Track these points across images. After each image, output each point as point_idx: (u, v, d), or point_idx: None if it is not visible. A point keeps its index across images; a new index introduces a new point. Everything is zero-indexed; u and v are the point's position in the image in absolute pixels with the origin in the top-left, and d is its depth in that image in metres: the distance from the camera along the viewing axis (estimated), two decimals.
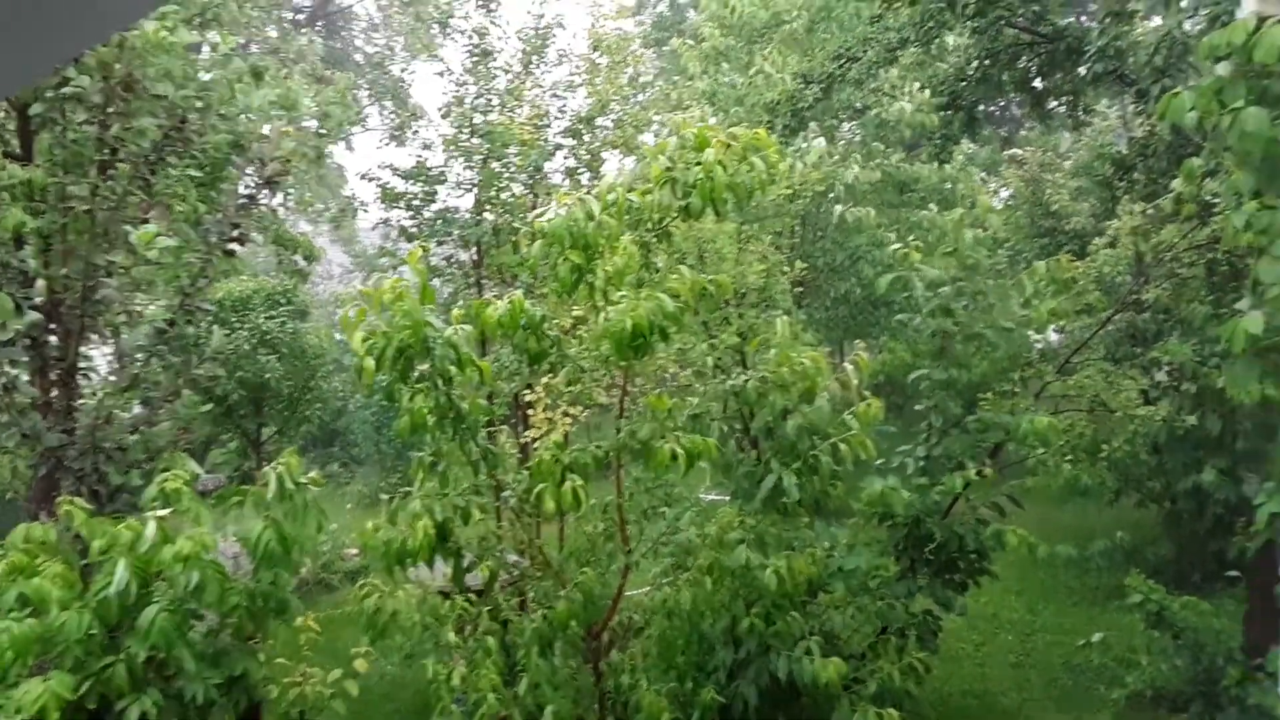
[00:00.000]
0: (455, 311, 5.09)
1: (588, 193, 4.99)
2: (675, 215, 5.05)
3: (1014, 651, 9.97)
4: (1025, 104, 12.21)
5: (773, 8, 14.06)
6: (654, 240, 5.27)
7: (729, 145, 4.91)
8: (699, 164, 4.82)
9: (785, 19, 13.82)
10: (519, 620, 5.96)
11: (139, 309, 6.31)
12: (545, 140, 10.66)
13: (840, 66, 10.51)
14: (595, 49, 11.18)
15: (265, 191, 6.70)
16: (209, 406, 9.11)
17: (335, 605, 8.06)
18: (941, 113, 10.80)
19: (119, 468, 6.00)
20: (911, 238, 7.74)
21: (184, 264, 6.30)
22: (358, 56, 32.05)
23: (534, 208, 10.08)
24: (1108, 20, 8.30)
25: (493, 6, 10.81)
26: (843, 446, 5.71)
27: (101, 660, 4.93)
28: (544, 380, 7.25)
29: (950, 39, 11.52)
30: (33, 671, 4.77)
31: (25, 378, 6.23)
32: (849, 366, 5.95)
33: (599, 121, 11.06)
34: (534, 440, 7.34)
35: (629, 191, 5.06)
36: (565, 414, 7.76)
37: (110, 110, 5.96)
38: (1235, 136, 4.26)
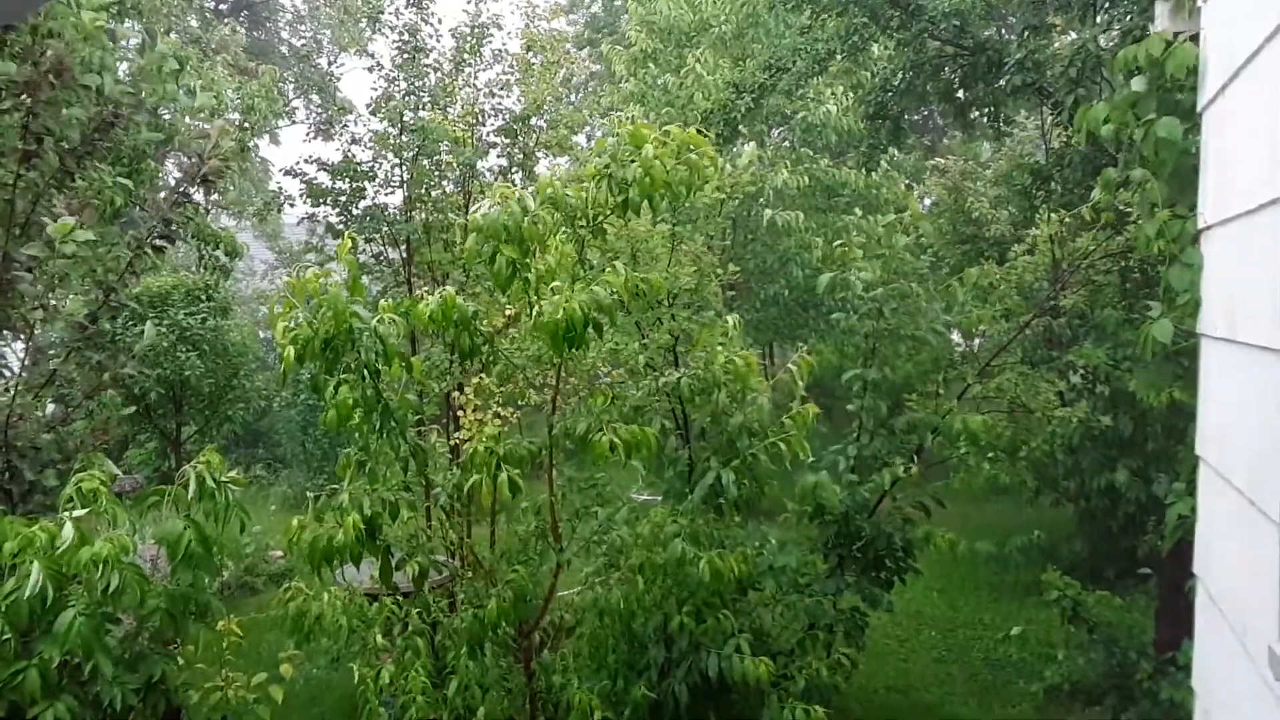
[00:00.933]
0: (383, 302, 5.02)
1: (522, 189, 4.98)
2: (610, 212, 5.07)
3: (936, 647, 10.21)
4: (948, 114, 12.53)
5: (700, 13, 14.20)
6: (589, 236, 5.29)
7: (664, 143, 4.95)
8: (634, 161, 4.84)
9: (712, 24, 13.97)
10: (448, 621, 5.91)
11: (55, 304, 6.10)
12: (479, 139, 10.58)
13: (771, 76, 10.66)
14: (529, 49, 11.13)
15: (198, 188, 6.51)
16: (130, 409, 8.79)
17: (259, 608, 7.89)
18: (868, 121, 11.03)
19: (33, 467, 5.79)
20: (842, 240, 7.90)
21: (103, 259, 6.10)
22: (283, 48, 31.40)
23: (466, 206, 10.00)
24: (1026, 34, 8.56)
25: (425, 3, 10.69)
26: (782, 446, 5.79)
27: (13, 666, 4.75)
28: (475, 380, 7.20)
29: (876, 49, 11.76)
30: None
31: None
32: (792, 368, 6.01)
33: (533, 121, 11.01)
34: (464, 441, 7.29)
35: (565, 187, 5.06)
36: (496, 415, 7.71)
37: (39, 98, 5.74)
38: (1150, 146, 4.43)
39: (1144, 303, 7.43)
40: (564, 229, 5.13)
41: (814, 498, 6.84)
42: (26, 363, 6.16)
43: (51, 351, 6.09)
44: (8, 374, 6.19)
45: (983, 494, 10.17)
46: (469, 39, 10.70)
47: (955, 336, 9.13)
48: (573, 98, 12.56)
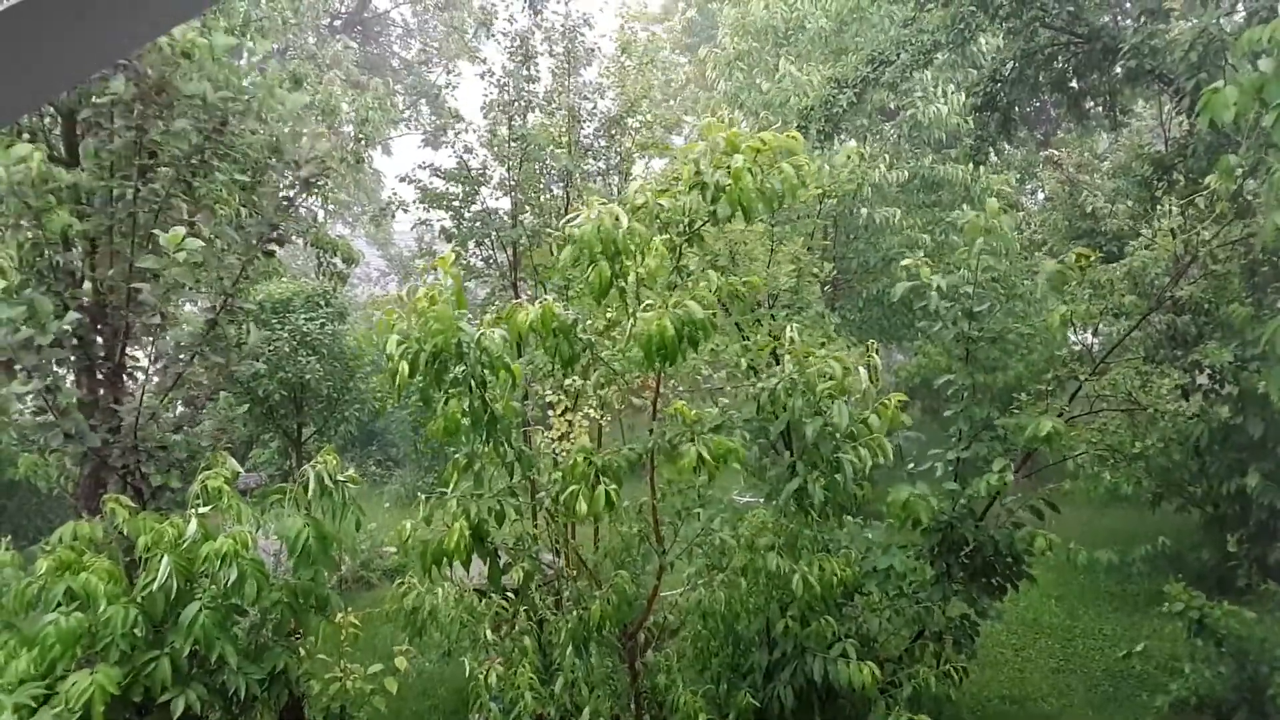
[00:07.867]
0: (486, 316, 5.11)
1: (617, 197, 5.00)
2: (705, 220, 5.05)
3: (1054, 656, 9.86)
4: (1062, 104, 12.13)
5: (796, 11, 14.02)
6: (684, 244, 5.27)
7: (759, 150, 4.89)
8: (727, 169, 4.81)
9: (808, 23, 13.78)
10: (555, 619, 6.00)
11: (173, 311, 6.41)
12: (576, 142, 10.74)
13: (874, 70, 10.49)
14: (623, 52, 11.24)
15: (303, 193, 6.76)
16: (245, 407, 9.16)
17: (374, 602, 8.15)
18: (976, 114, 10.76)
19: (160, 466, 6.10)
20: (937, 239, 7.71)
21: (225, 265, 6.40)
22: (394, 61, 32.34)
23: (568, 210, 10.15)
24: (1143, 18, 8.22)
25: (540, 11, 10.93)
26: (862, 452, 5.62)
27: (146, 655, 5.02)
28: (565, 383, 7.23)
29: (984, 40, 11.48)
30: (79, 665, 4.87)
31: (71, 378, 6.37)
32: (861, 370, 5.83)
33: (629, 123, 11.12)
34: (554, 441, 7.36)
35: (659, 196, 5.06)
36: (585, 415, 7.76)
37: (147, 112, 6.06)
38: (1278, 133, 4.22)
39: (1274, 297, 7.06)
40: (659, 235, 5.13)
41: (908, 510, 6.66)
42: (155, 367, 6.50)
43: (180, 356, 6.40)
44: (140, 377, 6.55)
45: (1104, 500, 9.73)
46: (563, 38, 10.87)
47: (1072, 335, 8.80)
48: (671, 102, 12.59)
